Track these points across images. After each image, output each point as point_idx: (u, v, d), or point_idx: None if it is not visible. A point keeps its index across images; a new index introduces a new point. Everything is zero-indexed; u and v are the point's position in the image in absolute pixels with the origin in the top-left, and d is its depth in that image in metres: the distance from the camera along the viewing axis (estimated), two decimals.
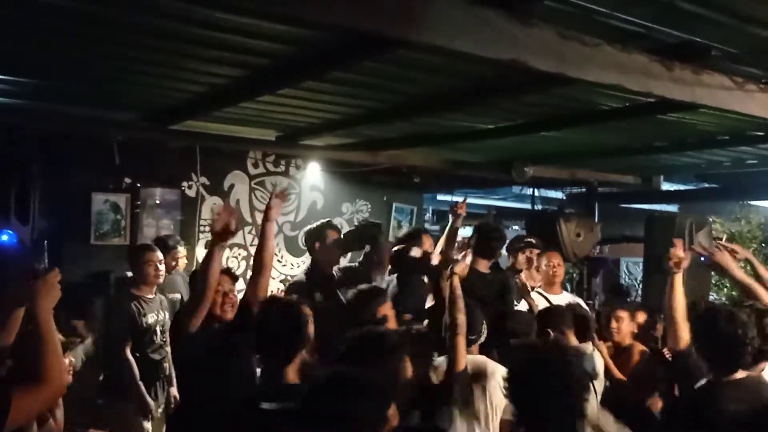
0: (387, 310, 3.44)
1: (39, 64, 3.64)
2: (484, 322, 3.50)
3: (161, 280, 4.61)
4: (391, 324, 3.40)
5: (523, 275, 5.43)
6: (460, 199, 5.19)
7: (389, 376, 2.54)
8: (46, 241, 4.67)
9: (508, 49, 2.50)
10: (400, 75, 3.59)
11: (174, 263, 5.38)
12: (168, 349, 4.48)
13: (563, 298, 4.98)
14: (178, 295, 5.29)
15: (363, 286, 3.65)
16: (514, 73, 3.28)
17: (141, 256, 4.56)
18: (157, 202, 6.09)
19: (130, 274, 5.15)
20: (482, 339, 3.45)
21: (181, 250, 5.51)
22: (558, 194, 8.58)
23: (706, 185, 7.97)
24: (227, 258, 6.44)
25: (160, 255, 4.61)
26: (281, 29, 2.86)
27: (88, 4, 2.64)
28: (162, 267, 4.59)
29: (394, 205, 7.59)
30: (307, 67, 3.36)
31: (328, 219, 5.02)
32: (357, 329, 2.77)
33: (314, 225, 4.79)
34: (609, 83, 2.87)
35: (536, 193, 8.34)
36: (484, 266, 4.65)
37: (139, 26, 2.90)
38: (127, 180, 5.87)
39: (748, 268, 4.23)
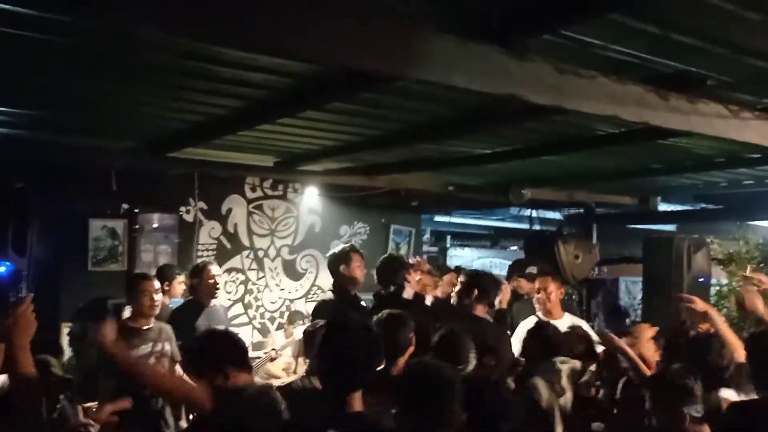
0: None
1: (38, 97, 3.66)
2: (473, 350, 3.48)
3: (157, 311, 4.47)
4: None
5: (535, 302, 5.39)
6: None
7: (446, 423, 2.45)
8: (24, 271, 4.64)
9: (505, 83, 2.52)
10: (398, 105, 3.62)
11: (212, 281, 5.07)
12: None
13: (563, 322, 4.95)
14: (221, 328, 5.14)
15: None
16: (511, 103, 3.30)
17: (136, 286, 4.43)
18: (155, 227, 6.08)
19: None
20: (469, 368, 3.42)
21: (213, 269, 5.21)
22: (556, 215, 8.60)
23: (704, 206, 7.99)
24: (225, 283, 6.43)
25: (156, 284, 4.48)
26: (279, 62, 2.88)
27: (87, 40, 2.66)
28: (158, 297, 4.48)
29: (392, 227, 7.58)
30: (305, 98, 3.38)
31: (350, 243, 5.17)
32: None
33: (338, 249, 4.84)
34: (605, 114, 2.89)
35: (534, 214, 8.35)
36: (482, 311, 4.52)
37: (137, 61, 2.92)
38: (125, 205, 5.86)
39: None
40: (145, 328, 4.41)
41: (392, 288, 4.61)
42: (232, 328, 6.13)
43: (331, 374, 2.44)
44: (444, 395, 2.47)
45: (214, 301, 5.29)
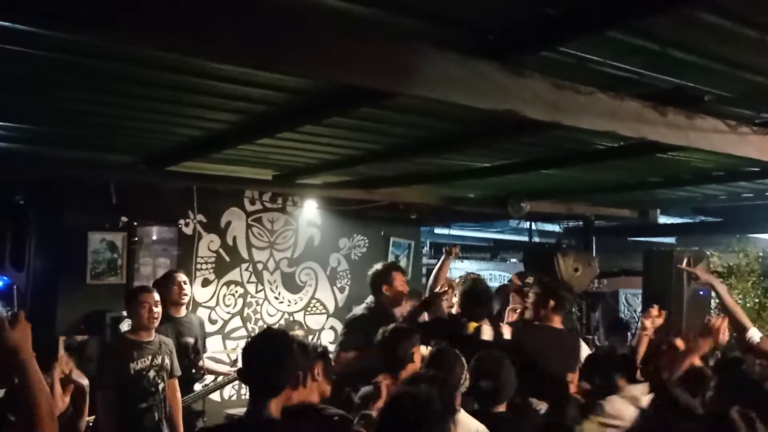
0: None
1: (38, 113, 3.66)
2: (465, 369, 3.44)
3: (156, 323, 4.47)
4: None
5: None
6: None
7: None
8: (15, 286, 4.65)
9: (502, 100, 2.52)
10: (397, 119, 3.62)
11: (176, 288, 5.05)
12: (161, 395, 4.40)
13: None
14: (191, 340, 5.12)
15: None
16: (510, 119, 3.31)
17: (135, 298, 4.42)
18: (154, 239, 6.08)
19: (125, 313, 5.12)
20: (462, 388, 3.38)
21: (180, 276, 5.17)
22: (555, 228, 8.60)
23: (703, 218, 7.99)
24: (224, 296, 6.43)
25: (156, 296, 4.47)
26: (278, 77, 2.88)
27: (87, 57, 2.67)
28: (158, 309, 4.47)
29: (391, 239, 7.58)
30: (304, 113, 3.38)
31: (392, 261, 5.04)
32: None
33: (379, 267, 4.72)
34: (603, 130, 2.89)
35: (533, 227, 8.35)
36: (558, 322, 4.41)
37: (136, 77, 2.93)
38: (124, 219, 5.86)
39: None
40: (146, 341, 4.40)
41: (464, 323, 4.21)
42: (229, 342, 6.23)
43: (247, 381, 2.66)
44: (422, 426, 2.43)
45: (188, 313, 5.29)
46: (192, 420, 4.92)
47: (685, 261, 5.32)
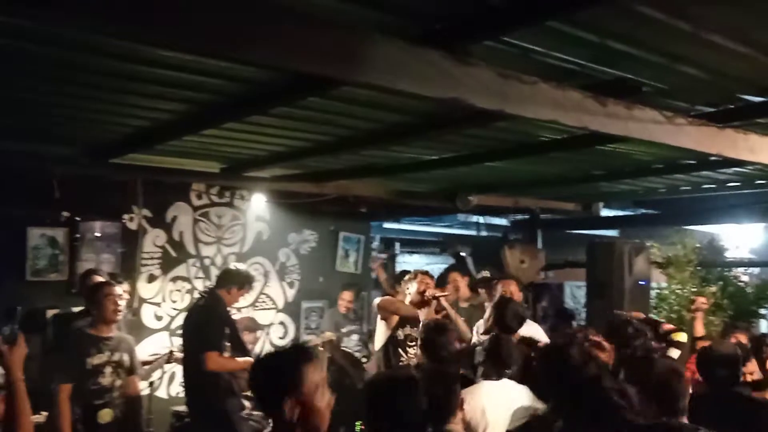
0: None
1: None
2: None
3: (119, 317, 4.38)
4: None
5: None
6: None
7: None
8: (19, 307, 4.51)
9: (449, 88, 2.56)
10: (345, 110, 3.63)
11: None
12: (116, 392, 4.31)
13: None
14: None
15: None
16: (456, 108, 3.35)
17: (100, 291, 4.30)
18: (97, 235, 5.94)
19: (75, 309, 4.97)
20: None
21: (120, 288, 4.90)
22: (503, 221, 8.73)
23: (644, 211, 8.24)
24: (170, 291, 6.32)
25: (119, 290, 4.42)
26: (224, 66, 2.87)
27: (28, 43, 2.59)
28: (122, 303, 4.40)
29: (341, 234, 7.58)
30: (251, 103, 3.36)
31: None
32: None
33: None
34: (546, 119, 2.96)
35: (481, 221, 8.47)
36: None
37: (79, 64, 2.87)
38: (66, 213, 5.71)
39: None
40: (105, 336, 4.28)
41: None
42: (176, 339, 6.12)
43: None
44: None
45: None
46: None
47: (628, 254, 5.48)
